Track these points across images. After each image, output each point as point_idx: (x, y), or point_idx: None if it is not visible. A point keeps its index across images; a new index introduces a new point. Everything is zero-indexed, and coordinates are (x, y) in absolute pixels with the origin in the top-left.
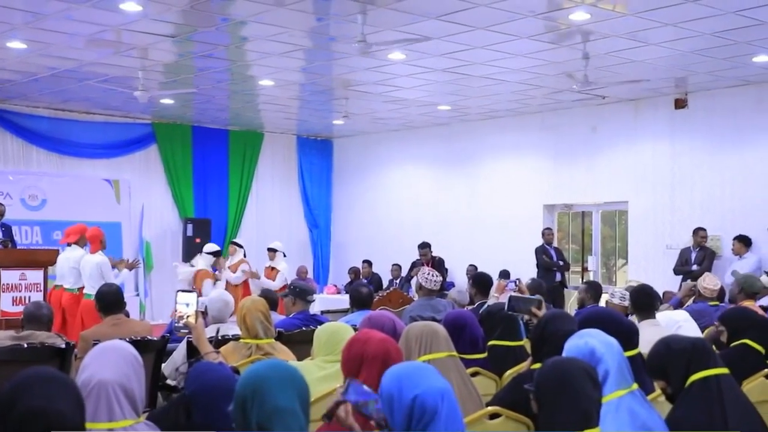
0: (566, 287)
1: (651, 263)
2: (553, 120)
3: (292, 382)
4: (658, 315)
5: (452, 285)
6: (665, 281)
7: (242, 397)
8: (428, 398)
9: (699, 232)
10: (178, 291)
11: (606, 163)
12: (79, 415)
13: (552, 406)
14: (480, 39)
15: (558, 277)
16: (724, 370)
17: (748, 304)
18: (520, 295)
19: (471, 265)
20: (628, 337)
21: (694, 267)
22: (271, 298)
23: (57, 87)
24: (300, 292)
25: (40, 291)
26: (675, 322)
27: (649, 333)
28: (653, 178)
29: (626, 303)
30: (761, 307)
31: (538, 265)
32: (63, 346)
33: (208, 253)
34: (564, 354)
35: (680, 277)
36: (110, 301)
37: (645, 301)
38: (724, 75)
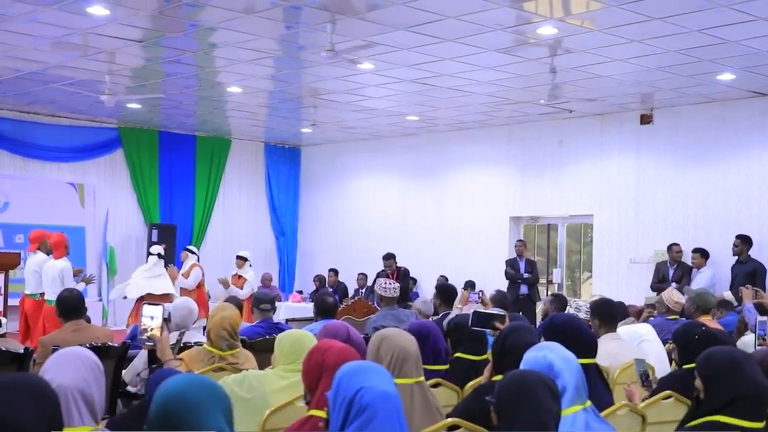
0: (534, 300)
1: (615, 277)
2: (521, 133)
3: (216, 400)
4: (622, 328)
5: (417, 295)
6: (629, 295)
7: (164, 418)
8: (369, 394)
9: (673, 248)
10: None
11: (572, 177)
12: (47, 427)
13: (511, 417)
14: (448, 51)
15: (524, 289)
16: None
17: (704, 319)
18: (483, 310)
19: (441, 276)
20: (588, 346)
21: (673, 284)
22: (236, 304)
23: (22, 89)
24: (254, 301)
25: (1, 295)
26: (638, 336)
27: (611, 346)
28: (618, 192)
29: (589, 316)
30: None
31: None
32: (21, 351)
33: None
34: (522, 366)
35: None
36: (71, 306)
37: (608, 314)
38: (688, 92)
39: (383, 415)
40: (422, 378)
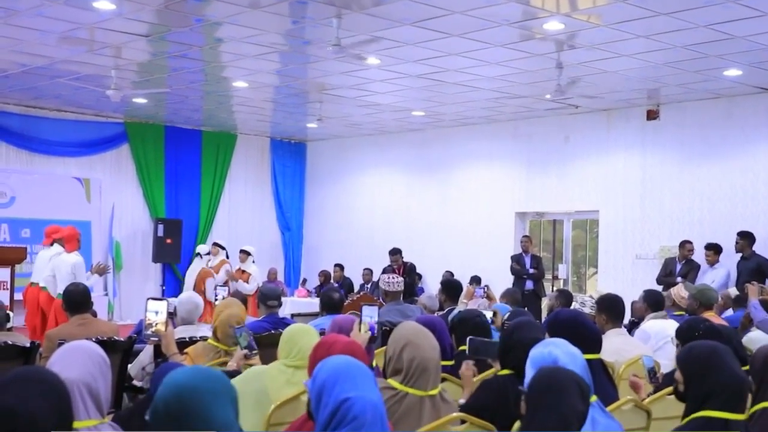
0: (539, 296)
1: (620, 273)
2: (527, 128)
3: (225, 391)
4: (651, 322)
5: (423, 291)
6: (634, 291)
7: (174, 408)
8: (357, 406)
9: (686, 245)
10: (148, 299)
11: (578, 172)
12: (56, 419)
13: (536, 406)
14: (455, 46)
15: (529, 284)
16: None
17: (708, 315)
18: (481, 338)
19: (447, 271)
20: (592, 341)
21: (678, 279)
22: (240, 298)
23: (28, 84)
24: (261, 297)
25: (7, 289)
26: (665, 336)
27: (616, 342)
28: (624, 188)
29: (593, 311)
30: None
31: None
32: (27, 345)
33: (207, 254)
34: (528, 362)
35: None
36: (77, 300)
37: (614, 310)
38: (695, 87)
39: (369, 425)
40: (436, 391)
